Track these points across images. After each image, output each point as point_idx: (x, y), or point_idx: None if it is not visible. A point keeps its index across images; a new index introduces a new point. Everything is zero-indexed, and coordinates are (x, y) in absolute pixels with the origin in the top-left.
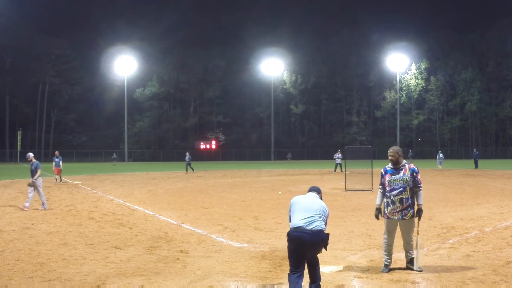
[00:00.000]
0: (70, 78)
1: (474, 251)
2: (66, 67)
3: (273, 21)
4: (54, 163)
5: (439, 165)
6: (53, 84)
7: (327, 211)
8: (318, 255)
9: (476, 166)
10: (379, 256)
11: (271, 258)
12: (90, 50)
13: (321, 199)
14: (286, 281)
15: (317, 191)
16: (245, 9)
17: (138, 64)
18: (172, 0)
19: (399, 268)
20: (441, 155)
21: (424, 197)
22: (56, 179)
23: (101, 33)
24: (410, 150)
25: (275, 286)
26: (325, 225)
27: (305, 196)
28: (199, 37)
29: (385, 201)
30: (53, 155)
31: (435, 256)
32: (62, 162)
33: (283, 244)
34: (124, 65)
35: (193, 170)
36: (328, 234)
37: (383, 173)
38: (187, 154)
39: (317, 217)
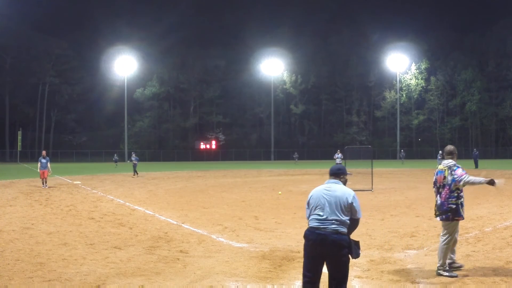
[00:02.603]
0: (70, 78)
1: (474, 251)
2: (66, 67)
3: (273, 21)
4: (40, 165)
5: (438, 165)
6: (53, 84)
7: (349, 201)
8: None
9: (476, 166)
10: (379, 256)
11: (271, 258)
12: (90, 50)
13: (344, 179)
14: (286, 281)
15: (336, 174)
16: (245, 9)
17: (138, 64)
18: (172, 0)
19: (400, 268)
20: (439, 156)
21: (424, 197)
22: (43, 183)
23: (101, 33)
24: (401, 150)
25: (275, 286)
26: (349, 221)
27: (322, 187)
28: (199, 37)
29: (460, 201)
30: (54, 155)
31: (435, 256)
32: (50, 162)
33: (283, 244)
34: (124, 65)
35: (137, 173)
36: (347, 238)
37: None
38: (133, 154)
39: (332, 216)
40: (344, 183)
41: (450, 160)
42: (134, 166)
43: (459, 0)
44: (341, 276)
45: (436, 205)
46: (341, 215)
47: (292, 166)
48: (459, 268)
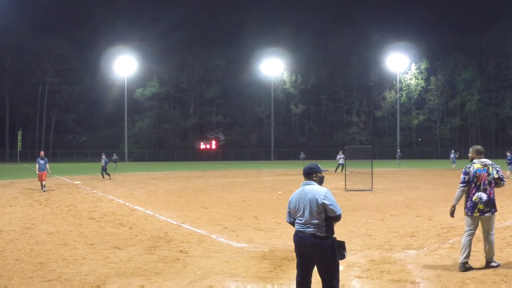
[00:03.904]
0: (70, 78)
1: (474, 251)
2: (66, 67)
3: (273, 21)
4: (38, 166)
5: (453, 164)
6: (53, 84)
7: (319, 201)
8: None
9: None
10: (379, 256)
11: (271, 258)
12: (90, 50)
13: (317, 178)
14: (286, 281)
15: (307, 174)
16: (245, 9)
17: (138, 64)
18: (172, 0)
19: (400, 268)
20: (452, 155)
21: (424, 197)
22: (41, 186)
23: (101, 33)
24: (398, 150)
25: (275, 286)
26: (326, 220)
27: (298, 190)
28: (199, 37)
29: None
30: (54, 155)
31: (435, 256)
32: (49, 163)
33: (283, 244)
34: (124, 65)
35: (109, 175)
36: (325, 240)
37: None
38: (103, 156)
39: (308, 221)
40: (320, 181)
41: (486, 159)
42: (104, 168)
43: (459, 0)
44: (327, 277)
45: (481, 202)
46: (315, 218)
47: (298, 166)
48: (470, 269)
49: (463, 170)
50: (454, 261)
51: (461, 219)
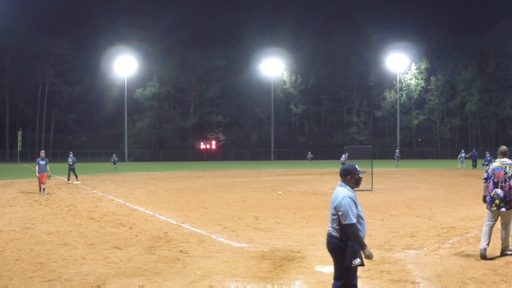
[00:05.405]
0: (70, 78)
1: (474, 251)
2: (66, 67)
3: (273, 21)
4: (38, 167)
5: (460, 164)
6: (53, 84)
7: (334, 205)
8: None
9: (475, 166)
10: (379, 256)
11: (271, 258)
12: (90, 50)
13: (353, 180)
14: (286, 281)
15: (341, 175)
16: (245, 9)
17: (138, 64)
18: (172, 0)
19: (400, 268)
20: (463, 155)
21: (424, 197)
22: (41, 189)
23: (101, 33)
24: (397, 150)
25: (275, 286)
26: (341, 225)
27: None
28: (199, 37)
29: None
30: (54, 155)
31: (435, 256)
32: (49, 163)
33: (283, 244)
34: (124, 65)
35: (76, 177)
36: (338, 242)
37: None
38: (71, 155)
39: (329, 220)
40: (356, 183)
41: (507, 159)
42: (71, 168)
43: (459, 0)
44: (336, 275)
45: (498, 198)
46: (333, 220)
47: (298, 166)
48: (485, 257)
49: (486, 168)
50: (454, 261)
51: (461, 219)
